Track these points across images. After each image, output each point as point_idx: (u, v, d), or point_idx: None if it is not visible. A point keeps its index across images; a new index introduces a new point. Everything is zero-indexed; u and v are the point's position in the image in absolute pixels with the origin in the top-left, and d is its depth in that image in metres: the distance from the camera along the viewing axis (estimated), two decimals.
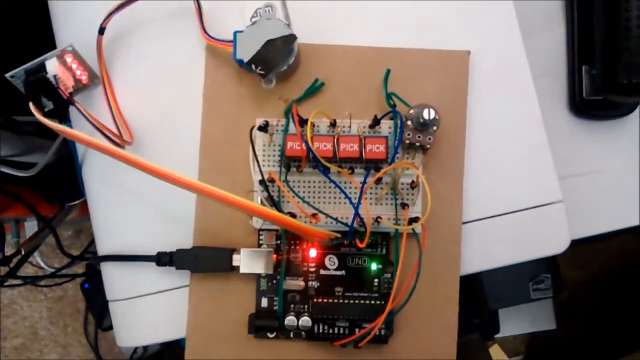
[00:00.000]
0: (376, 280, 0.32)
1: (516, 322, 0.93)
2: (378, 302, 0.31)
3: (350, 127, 0.31)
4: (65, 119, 0.33)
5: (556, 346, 0.93)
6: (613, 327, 0.89)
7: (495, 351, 0.88)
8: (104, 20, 0.31)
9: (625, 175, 0.40)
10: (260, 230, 0.32)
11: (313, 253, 0.32)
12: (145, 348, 0.88)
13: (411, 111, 0.30)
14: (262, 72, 0.30)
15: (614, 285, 0.95)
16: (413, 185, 0.31)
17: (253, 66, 0.30)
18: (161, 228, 0.33)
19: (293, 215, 0.31)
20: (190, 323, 0.32)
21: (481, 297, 0.62)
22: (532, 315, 0.93)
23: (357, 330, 0.31)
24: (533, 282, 0.66)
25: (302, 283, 0.32)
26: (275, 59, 0.30)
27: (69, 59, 0.31)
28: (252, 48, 0.30)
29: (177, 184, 0.26)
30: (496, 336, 0.84)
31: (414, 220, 0.31)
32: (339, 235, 0.30)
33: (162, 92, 0.33)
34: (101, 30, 0.31)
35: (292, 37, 0.30)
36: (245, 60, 0.30)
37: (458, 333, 0.32)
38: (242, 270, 0.31)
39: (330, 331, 0.31)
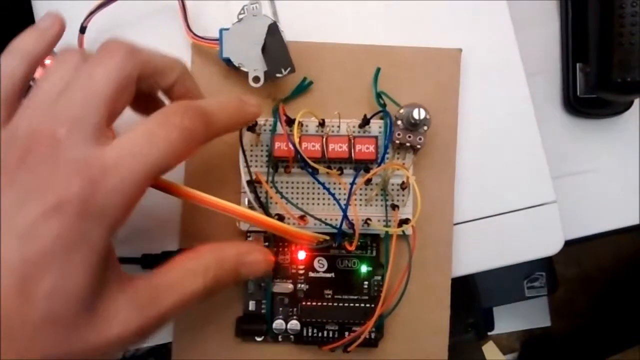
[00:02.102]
0: (366, 282, 0.31)
1: (511, 319, 0.93)
2: (368, 305, 0.30)
3: (339, 127, 0.31)
4: None
5: (551, 343, 0.93)
6: (607, 324, 0.89)
7: (490, 348, 0.88)
8: (85, 19, 0.30)
9: (620, 175, 0.39)
10: (247, 232, 0.31)
11: (302, 255, 0.31)
12: None
13: (401, 111, 0.30)
14: (289, 70, 0.29)
15: (608, 283, 0.95)
16: (403, 186, 0.31)
17: (278, 75, 0.30)
18: (146, 230, 0.32)
19: (281, 217, 0.30)
20: (177, 327, 0.32)
21: (475, 295, 0.62)
22: (527, 313, 0.93)
23: (346, 333, 0.31)
24: (528, 280, 0.66)
25: (291, 286, 0.31)
26: (281, 54, 0.30)
27: (47, 60, 0.30)
28: (240, 46, 0.30)
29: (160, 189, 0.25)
30: (491, 333, 0.84)
31: (405, 221, 0.30)
32: (327, 238, 0.29)
33: None
34: (82, 30, 0.30)
35: (273, 26, 0.29)
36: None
37: (452, 333, 0.32)
38: None
39: (320, 334, 0.31)
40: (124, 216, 0.21)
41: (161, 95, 0.27)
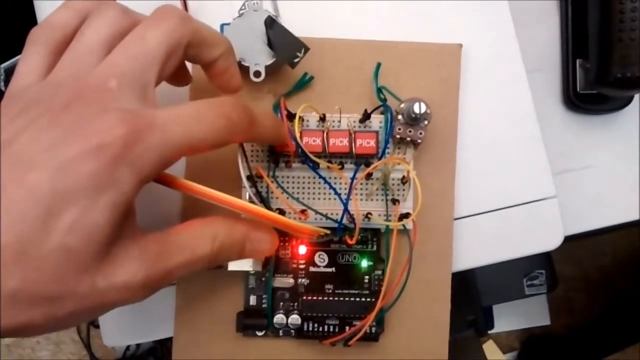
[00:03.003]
0: (367, 277, 0.31)
1: (510, 318, 0.93)
2: (369, 300, 0.30)
3: (340, 121, 0.31)
4: None
5: (550, 342, 0.93)
6: (607, 323, 0.89)
7: (490, 347, 0.88)
8: None
9: (619, 170, 0.40)
10: None
11: (302, 250, 0.31)
12: (138, 344, 0.87)
13: (402, 105, 0.30)
14: (303, 50, 0.30)
15: (608, 281, 0.95)
16: (404, 180, 0.31)
17: (296, 60, 0.30)
18: (146, 225, 0.32)
19: (282, 211, 0.30)
20: (178, 322, 0.32)
21: (475, 293, 0.62)
22: (527, 311, 0.93)
23: (347, 328, 0.31)
24: (527, 277, 0.66)
25: (292, 280, 0.31)
26: (288, 40, 0.30)
27: None
28: (241, 41, 0.30)
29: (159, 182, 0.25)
30: (491, 332, 0.84)
31: (405, 216, 0.30)
32: (328, 232, 0.29)
33: None
34: None
35: (269, 19, 0.29)
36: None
37: (452, 330, 0.32)
38: (230, 268, 0.30)
39: (320, 329, 0.31)
40: (151, 176, 0.21)
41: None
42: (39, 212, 0.18)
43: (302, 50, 0.29)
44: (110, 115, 0.20)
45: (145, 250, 0.22)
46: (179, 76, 0.29)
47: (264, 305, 0.31)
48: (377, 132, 0.30)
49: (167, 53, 0.23)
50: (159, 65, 0.23)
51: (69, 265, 0.19)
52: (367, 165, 0.30)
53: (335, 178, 0.31)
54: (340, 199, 0.30)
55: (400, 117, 0.30)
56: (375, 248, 0.32)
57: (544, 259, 0.67)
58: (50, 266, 0.18)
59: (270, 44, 0.30)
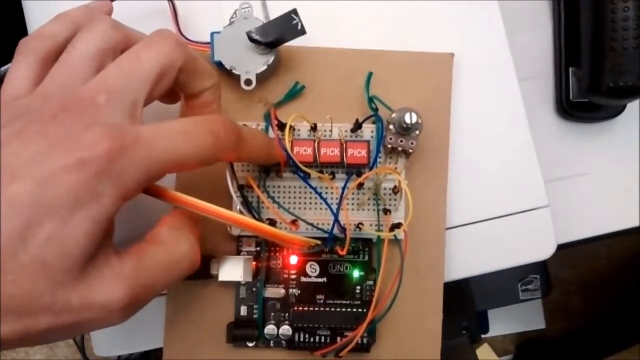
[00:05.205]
0: (358, 287, 0.31)
1: (506, 322, 0.93)
2: (360, 310, 0.30)
3: (331, 131, 0.31)
4: None
5: (545, 345, 0.93)
6: (602, 326, 0.89)
7: (485, 351, 0.88)
8: None
9: (612, 178, 0.39)
10: (239, 236, 0.31)
11: (294, 260, 0.31)
12: None
13: (393, 115, 0.30)
14: (292, 13, 0.29)
15: (603, 284, 0.95)
16: (395, 190, 0.30)
17: (299, 27, 0.29)
18: (138, 234, 0.32)
19: (273, 221, 0.30)
20: (168, 332, 0.31)
21: (469, 298, 0.62)
22: (522, 315, 0.93)
23: (338, 338, 0.30)
24: (522, 282, 0.65)
25: (283, 291, 0.31)
26: (275, 25, 0.29)
27: None
28: (231, 50, 0.30)
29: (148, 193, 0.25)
30: (485, 336, 0.84)
31: (396, 226, 0.30)
32: (319, 242, 0.29)
33: None
34: None
35: (251, 32, 0.29)
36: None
37: (445, 336, 0.32)
38: (220, 278, 0.30)
39: (311, 340, 0.31)
40: (134, 192, 0.21)
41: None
42: (18, 223, 0.18)
43: (294, 14, 0.29)
44: (95, 129, 0.20)
45: (121, 270, 0.21)
46: (169, 95, 0.28)
47: (254, 316, 0.31)
48: (368, 142, 0.30)
49: (160, 74, 0.23)
50: (150, 85, 0.23)
51: (45, 280, 0.19)
52: (359, 175, 0.30)
53: (326, 188, 0.30)
54: (331, 209, 0.30)
55: (391, 126, 0.30)
56: (366, 258, 0.31)
57: (539, 264, 0.66)
58: (26, 279, 0.18)
59: (270, 45, 0.29)
